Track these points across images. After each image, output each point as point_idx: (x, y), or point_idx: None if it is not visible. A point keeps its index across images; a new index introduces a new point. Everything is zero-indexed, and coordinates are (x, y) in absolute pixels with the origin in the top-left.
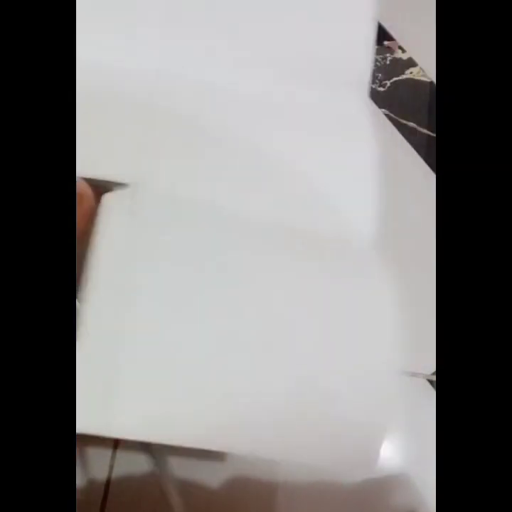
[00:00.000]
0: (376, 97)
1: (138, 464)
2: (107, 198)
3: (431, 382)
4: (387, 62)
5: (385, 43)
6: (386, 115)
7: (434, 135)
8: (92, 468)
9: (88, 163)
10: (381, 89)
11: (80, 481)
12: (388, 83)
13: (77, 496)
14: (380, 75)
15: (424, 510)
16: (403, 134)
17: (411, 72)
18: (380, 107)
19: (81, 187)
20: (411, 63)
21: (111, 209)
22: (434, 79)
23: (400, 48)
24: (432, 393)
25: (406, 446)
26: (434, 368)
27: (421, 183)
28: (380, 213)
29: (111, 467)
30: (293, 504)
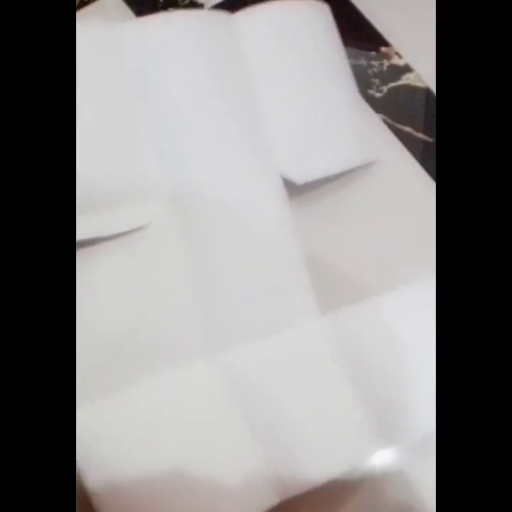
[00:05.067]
0: (373, 102)
1: None
2: None
3: None
4: (384, 68)
5: (382, 49)
6: (383, 120)
7: (430, 140)
8: None
9: None
10: (378, 94)
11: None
12: (385, 89)
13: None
14: (377, 80)
15: (422, 507)
16: (400, 139)
17: (407, 78)
18: (377, 112)
19: None
20: (407, 69)
21: None
22: (430, 84)
23: (397, 53)
24: None
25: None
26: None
27: (418, 186)
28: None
29: None
30: (289, 502)
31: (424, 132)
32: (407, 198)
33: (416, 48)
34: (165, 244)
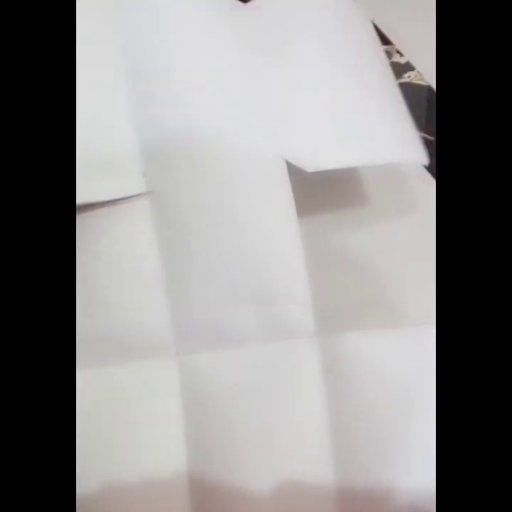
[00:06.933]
0: None
1: None
2: None
3: None
4: None
5: (384, 47)
6: None
7: (431, 138)
8: None
9: None
10: None
11: None
12: None
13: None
14: None
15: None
16: None
17: (409, 76)
18: None
19: None
20: (409, 67)
21: None
22: (431, 83)
23: (398, 52)
24: None
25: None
26: None
27: (418, 185)
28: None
29: None
30: (290, 503)
31: (426, 131)
32: (407, 198)
33: (417, 46)
34: (138, 229)
